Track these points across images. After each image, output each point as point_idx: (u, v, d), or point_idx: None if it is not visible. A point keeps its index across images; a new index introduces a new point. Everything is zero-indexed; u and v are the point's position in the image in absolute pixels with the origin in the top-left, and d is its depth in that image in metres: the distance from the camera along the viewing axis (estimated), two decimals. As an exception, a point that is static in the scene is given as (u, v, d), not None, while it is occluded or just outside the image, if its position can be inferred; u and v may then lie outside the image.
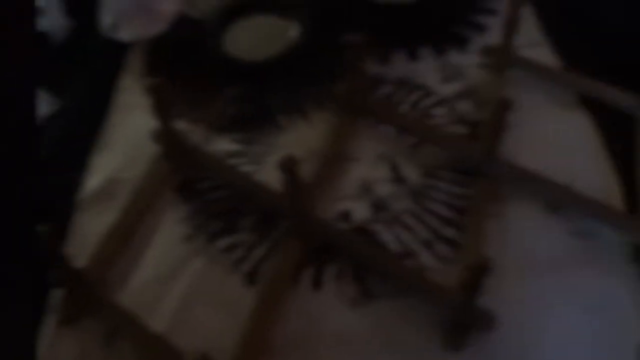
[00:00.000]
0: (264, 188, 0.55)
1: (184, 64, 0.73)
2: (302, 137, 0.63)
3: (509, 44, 0.66)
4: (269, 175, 0.58)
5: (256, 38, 0.76)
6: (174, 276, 0.51)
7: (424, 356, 0.45)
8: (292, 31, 0.74)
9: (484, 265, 0.37)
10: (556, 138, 0.59)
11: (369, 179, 0.58)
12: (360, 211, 0.55)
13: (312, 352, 0.46)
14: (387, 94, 0.68)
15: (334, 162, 0.59)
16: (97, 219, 0.55)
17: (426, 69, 0.70)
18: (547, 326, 0.46)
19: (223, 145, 0.63)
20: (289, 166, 0.46)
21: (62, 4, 0.72)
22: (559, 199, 0.53)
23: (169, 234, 0.54)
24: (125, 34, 0.73)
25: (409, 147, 0.61)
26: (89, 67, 0.72)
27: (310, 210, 0.53)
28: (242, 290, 0.50)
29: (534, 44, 0.70)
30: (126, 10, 0.75)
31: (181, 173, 0.59)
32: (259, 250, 0.53)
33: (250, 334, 0.46)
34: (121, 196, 0.57)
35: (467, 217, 0.53)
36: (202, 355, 0.35)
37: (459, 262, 0.50)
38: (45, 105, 0.67)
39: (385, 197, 0.56)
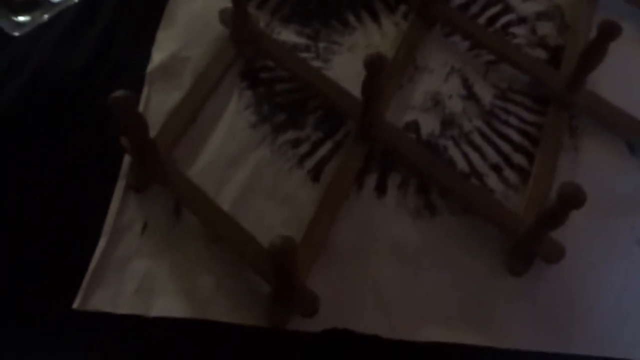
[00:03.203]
0: (334, 85, 0.53)
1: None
2: (371, 39, 0.60)
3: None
4: (336, 74, 0.56)
5: None
6: (238, 162, 0.50)
7: (479, 277, 0.45)
8: None
9: (577, 197, 0.36)
10: (642, 74, 0.56)
11: (440, 92, 0.56)
12: (429, 124, 0.53)
13: (366, 256, 0.47)
14: (462, 3, 0.64)
15: (404, 70, 0.57)
16: (163, 95, 0.54)
17: (507, -18, 0.66)
18: (610, 264, 0.46)
19: (288, 36, 0.60)
20: (375, 64, 0.43)
21: None
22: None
23: (234, 119, 0.53)
24: None
25: (484, 64, 0.58)
26: None
27: (381, 115, 0.51)
28: (304, 186, 0.50)
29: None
30: None
31: (246, 58, 0.57)
32: (323, 148, 0.52)
33: (309, 232, 0.46)
34: (186, 74, 0.55)
35: (539, 147, 0.51)
36: (283, 237, 0.35)
37: (526, 191, 0.49)
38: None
39: (455, 113, 0.54)
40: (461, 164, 0.51)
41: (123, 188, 0.48)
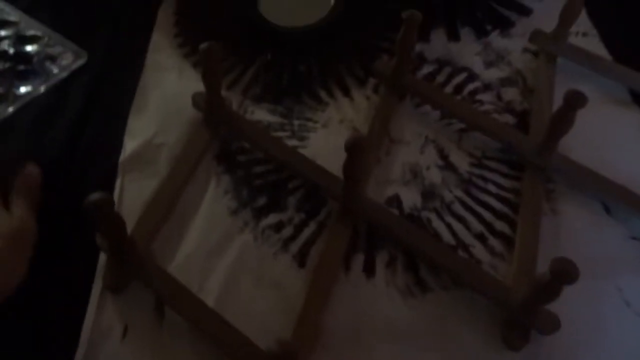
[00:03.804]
0: (313, 165, 0.53)
1: (216, 25, 0.69)
2: (344, 114, 0.61)
3: (563, 31, 0.64)
4: (313, 152, 0.56)
5: (293, 3, 0.72)
6: (220, 251, 0.49)
7: (478, 353, 0.45)
8: (329, 0, 0.71)
9: (570, 272, 0.36)
10: (609, 135, 0.58)
11: (418, 164, 0.56)
12: (410, 197, 0.54)
13: (362, 341, 0.45)
14: (428, 74, 0.66)
15: (381, 143, 0.57)
16: (138, 184, 0.52)
17: (467, 51, 0.68)
18: (602, 330, 0.46)
19: (261, 115, 0.60)
20: (356, 146, 0.43)
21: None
22: (614, 200, 0.52)
23: (213, 206, 0.51)
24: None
25: (456, 132, 0.60)
26: (116, 19, 0.68)
27: (362, 192, 0.51)
28: (290, 271, 0.48)
29: (582, 33, 0.69)
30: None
31: (221, 141, 0.57)
32: (307, 230, 0.51)
33: (300, 318, 0.44)
34: (161, 161, 0.54)
35: (519, 213, 0.52)
36: (282, 342, 0.33)
37: (512, 259, 0.49)
38: (70, 55, 0.63)
39: (435, 183, 0.55)
40: (446, 236, 0.51)
41: (100, 289, 0.46)
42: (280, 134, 0.58)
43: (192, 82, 0.61)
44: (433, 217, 0.52)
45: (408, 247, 0.49)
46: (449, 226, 0.52)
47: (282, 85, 0.63)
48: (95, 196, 0.38)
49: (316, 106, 0.61)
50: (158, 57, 0.65)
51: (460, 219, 0.52)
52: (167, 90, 0.61)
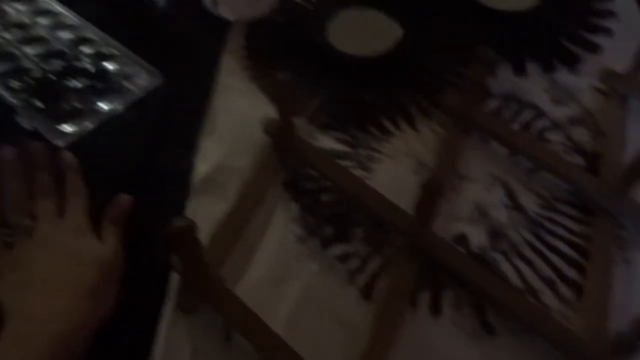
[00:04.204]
0: (380, 197, 0.53)
1: (284, 50, 0.70)
2: (410, 146, 0.61)
3: (636, 71, 0.63)
4: (378, 183, 0.56)
5: (360, 32, 0.73)
6: (288, 278, 0.49)
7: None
8: (397, 30, 0.72)
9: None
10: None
11: (485, 202, 0.56)
12: (477, 236, 0.53)
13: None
14: (494, 108, 0.65)
15: (446, 179, 0.57)
16: (209, 206, 0.53)
17: (534, 87, 0.68)
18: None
19: (327, 143, 0.61)
20: (431, 189, 0.44)
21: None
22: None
23: (281, 233, 0.52)
24: (225, 12, 0.71)
25: (525, 171, 0.59)
26: (188, 41, 0.70)
27: (430, 230, 0.51)
28: (356, 305, 0.48)
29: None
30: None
31: (289, 167, 0.57)
32: (373, 263, 0.51)
33: (364, 355, 0.44)
34: (230, 184, 0.55)
35: (590, 260, 0.51)
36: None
37: (581, 308, 0.48)
38: (145, 75, 0.65)
39: (502, 224, 0.54)
40: (514, 279, 0.50)
41: (171, 310, 0.47)
42: (346, 162, 0.58)
43: (260, 105, 0.63)
44: (501, 258, 0.52)
45: (476, 288, 0.48)
46: (517, 269, 0.51)
47: (348, 113, 0.63)
48: (179, 222, 0.40)
49: (381, 136, 0.62)
50: (227, 80, 0.66)
51: (528, 262, 0.51)
52: (237, 113, 0.62)
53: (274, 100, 0.53)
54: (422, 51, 0.69)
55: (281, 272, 0.50)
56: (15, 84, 0.62)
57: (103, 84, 0.63)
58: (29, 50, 0.66)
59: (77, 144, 0.58)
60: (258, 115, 0.59)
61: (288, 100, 0.52)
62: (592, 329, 0.46)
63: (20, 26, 0.69)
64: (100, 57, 0.66)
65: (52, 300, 0.42)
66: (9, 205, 0.47)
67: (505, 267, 0.51)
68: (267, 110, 0.61)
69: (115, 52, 0.67)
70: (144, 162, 0.57)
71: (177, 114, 0.62)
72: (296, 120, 0.60)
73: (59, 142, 0.58)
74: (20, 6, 0.71)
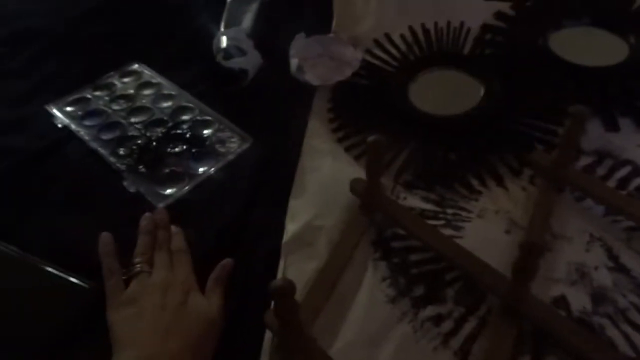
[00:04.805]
0: (471, 257, 0.52)
1: (368, 111, 0.72)
2: (500, 205, 0.60)
3: None
4: (469, 242, 0.55)
5: (442, 93, 0.74)
6: (379, 340, 0.49)
7: None
8: (480, 89, 0.72)
9: None
10: None
11: (584, 263, 0.53)
12: (578, 299, 0.51)
13: None
14: (587, 165, 0.63)
15: (542, 239, 0.55)
16: (299, 265, 0.54)
17: (628, 142, 0.65)
18: None
19: (414, 202, 0.61)
20: (532, 251, 0.42)
21: (259, 46, 0.75)
22: None
23: (371, 293, 0.52)
24: (310, 77, 0.74)
25: (624, 230, 0.56)
26: (278, 106, 0.74)
27: (528, 292, 0.49)
28: (452, 370, 0.47)
29: None
30: (312, 56, 0.77)
31: (377, 226, 0.58)
32: (467, 326, 0.49)
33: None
34: (320, 244, 0.56)
35: None
36: None
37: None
38: (237, 139, 0.69)
39: (605, 286, 0.51)
40: (623, 346, 0.47)
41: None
42: (434, 222, 0.58)
43: (345, 166, 0.65)
44: (606, 323, 0.49)
45: (582, 355, 0.46)
46: (626, 336, 0.48)
47: (434, 172, 0.63)
48: (279, 282, 0.41)
49: (469, 195, 0.61)
50: (314, 142, 0.69)
51: (638, 328, 0.48)
52: (324, 174, 0.64)
53: (365, 161, 0.54)
54: (505, 109, 0.69)
55: (373, 334, 0.49)
56: (121, 150, 0.67)
57: (198, 148, 0.67)
58: (134, 119, 0.72)
59: (175, 205, 0.61)
60: (344, 176, 0.61)
61: (375, 160, 0.53)
62: None
63: (127, 97, 0.75)
64: (196, 123, 0.71)
65: (161, 340, 0.44)
66: (136, 253, 0.54)
67: (613, 332, 0.48)
68: (352, 170, 0.63)
69: (209, 118, 0.72)
70: (237, 222, 0.59)
71: (267, 175, 0.64)
72: (382, 180, 0.61)
73: (160, 204, 0.61)
74: (126, 79, 0.78)
